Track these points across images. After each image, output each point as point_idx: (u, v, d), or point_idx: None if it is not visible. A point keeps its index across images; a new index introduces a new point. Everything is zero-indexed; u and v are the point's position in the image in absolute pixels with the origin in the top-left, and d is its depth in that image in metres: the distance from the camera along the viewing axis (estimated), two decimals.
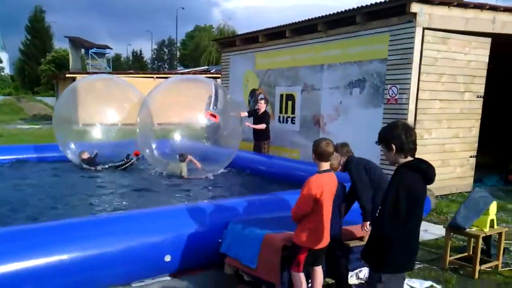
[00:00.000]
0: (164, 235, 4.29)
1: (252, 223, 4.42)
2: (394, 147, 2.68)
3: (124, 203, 6.78)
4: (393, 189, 2.63)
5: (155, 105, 8.77)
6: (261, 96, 10.47)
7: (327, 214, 3.50)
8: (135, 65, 77.96)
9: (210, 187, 8.13)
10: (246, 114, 9.75)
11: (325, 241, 3.52)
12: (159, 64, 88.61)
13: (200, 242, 4.44)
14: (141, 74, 28.11)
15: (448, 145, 8.30)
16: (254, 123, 9.65)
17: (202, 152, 8.86)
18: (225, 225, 4.48)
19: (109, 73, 31.37)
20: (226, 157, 8.88)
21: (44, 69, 50.94)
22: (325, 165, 3.53)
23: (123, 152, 9.43)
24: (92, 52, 46.97)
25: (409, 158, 2.69)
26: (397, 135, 2.67)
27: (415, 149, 2.69)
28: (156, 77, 28.01)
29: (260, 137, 9.68)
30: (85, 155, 9.21)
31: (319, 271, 3.71)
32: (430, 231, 6.19)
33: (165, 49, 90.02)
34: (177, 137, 9.07)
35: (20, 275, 3.54)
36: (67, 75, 24.97)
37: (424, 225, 6.44)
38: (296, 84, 10.18)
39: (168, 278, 4.34)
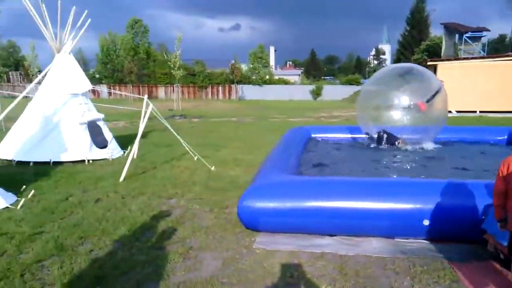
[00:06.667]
0: (426, 202, 4.89)
1: None
2: None
3: None
4: None
5: None
6: None
7: None
8: None
9: None
10: None
11: None
12: None
13: (461, 216, 4.79)
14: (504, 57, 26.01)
15: None
16: None
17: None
18: (489, 204, 4.66)
19: (481, 57, 30.31)
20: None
21: (416, 58, 53.30)
22: None
23: None
24: (466, 36, 45.83)
25: None
26: None
27: None
28: None
29: None
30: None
31: None
32: None
33: None
34: None
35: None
36: (428, 63, 26.00)
37: None
38: None
39: (427, 241, 4.94)
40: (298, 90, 55.95)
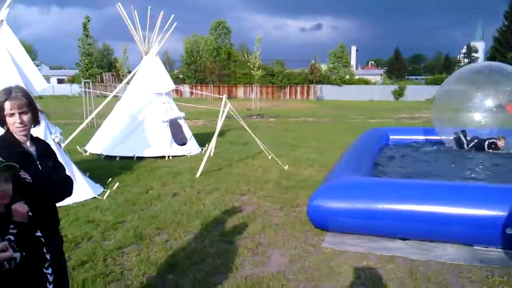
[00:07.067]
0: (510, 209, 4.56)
1: None
2: None
3: None
4: None
5: None
6: None
7: None
8: None
9: None
10: None
11: None
12: None
13: None
14: None
15: None
16: None
17: None
18: None
19: None
20: None
21: None
22: None
23: None
24: None
25: None
26: None
27: None
28: None
29: None
30: None
31: None
32: None
33: None
34: None
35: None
36: None
37: None
38: None
39: (509, 251, 4.60)
40: (379, 90, 54.25)
